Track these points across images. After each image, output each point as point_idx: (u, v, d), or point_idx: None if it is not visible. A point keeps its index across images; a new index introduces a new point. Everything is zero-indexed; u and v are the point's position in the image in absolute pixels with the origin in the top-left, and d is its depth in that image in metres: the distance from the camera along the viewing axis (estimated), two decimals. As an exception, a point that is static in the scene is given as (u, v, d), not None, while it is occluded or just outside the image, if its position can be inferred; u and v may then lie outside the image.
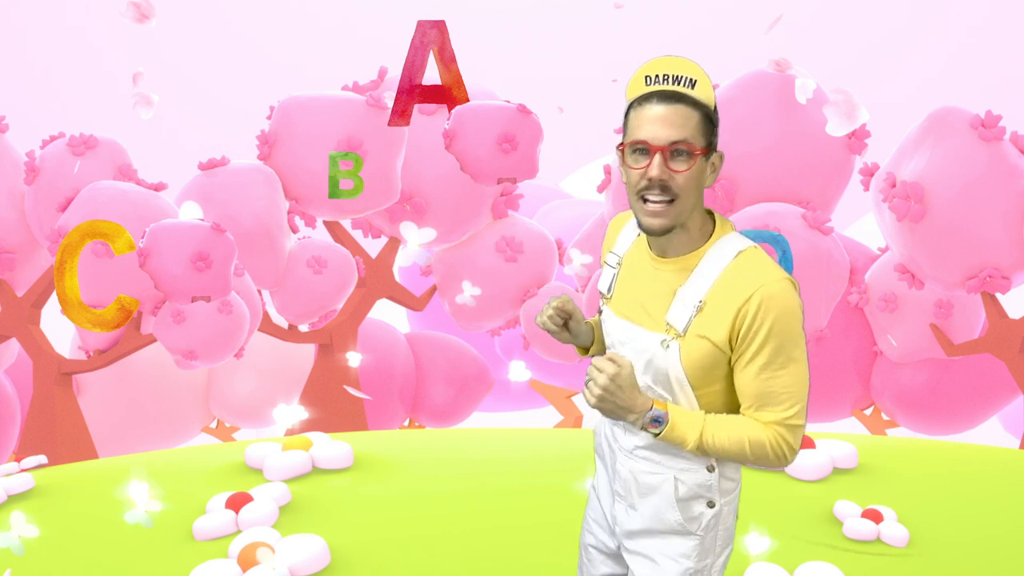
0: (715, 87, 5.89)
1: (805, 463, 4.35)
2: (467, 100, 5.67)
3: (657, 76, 2.26)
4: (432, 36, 5.58)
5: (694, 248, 2.32)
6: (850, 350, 6.28)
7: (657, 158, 2.23)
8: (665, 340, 2.32)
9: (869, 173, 5.73)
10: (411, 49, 5.60)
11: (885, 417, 6.56)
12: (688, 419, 2.30)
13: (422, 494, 4.30)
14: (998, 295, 5.66)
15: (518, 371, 6.69)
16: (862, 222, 7.50)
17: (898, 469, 4.48)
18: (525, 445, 4.93)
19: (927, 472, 4.53)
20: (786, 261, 5.47)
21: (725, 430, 2.29)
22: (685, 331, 2.29)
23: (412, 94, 5.68)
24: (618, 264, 2.48)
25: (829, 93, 5.55)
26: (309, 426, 5.94)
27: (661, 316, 2.33)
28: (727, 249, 2.29)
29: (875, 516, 3.96)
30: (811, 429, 5.17)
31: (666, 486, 2.40)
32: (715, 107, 2.27)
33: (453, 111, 5.64)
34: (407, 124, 5.75)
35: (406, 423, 7.05)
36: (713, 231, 2.34)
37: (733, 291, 2.24)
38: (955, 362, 6.13)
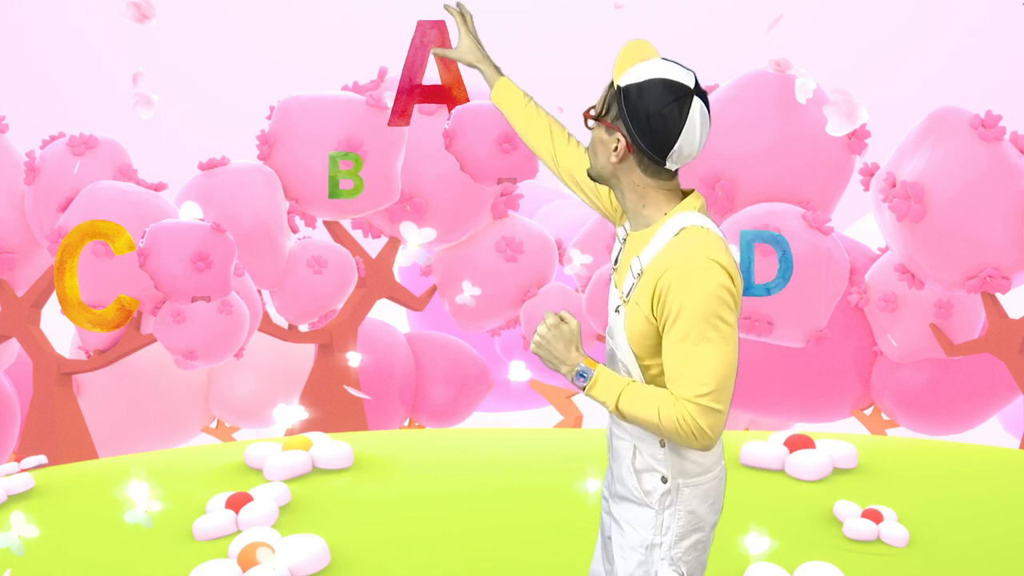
0: (714, 87, 5.97)
1: (805, 463, 4.34)
2: (467, 100, 5.64)
3: None
4: (432, 36, 5.57)
5: (653, 222, 2.42)
6: (850, 350, 6.27)
7: None
8: (619, 306, 2.45)
9: (869, 173, 5.72)
10: (411, 49, 5.58)
11: (885, 417, 6.55)
12: (611, 382, 2.39)
13: (422, 494, 4.30)
14: (998, 295, 5.65)
15: (518, 371, 6.68)
16: (862, 222, 7.49)
17: (898, 469, 4.48)
18: (525, 445, 4.92)
19: (927, 472, 4.52)
20: (786, 261, 5.47)
21: (642, 399, 2.35)
22: (628, 298, 2.41)
23: (412, 94, 5.66)
24: (624, 239, 2.56)
25: (829, 93, 5.54)
26: (309, 426, 5.93)
27: (622, 283, 2.46)
28: (674, 225, 2.37)
29: (875, 516, 3.95)
30: (811, 429, 5.19)
31: (627, 452, 2.49)
32: (630, 93, 2.33)
33: (453, 111, 5.63)
34: (407, 124, 5.72)
35: (406, 423, 7.05)
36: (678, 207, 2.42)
37: (659, 264, 2.33)
38: (955, 362, 6.13)
